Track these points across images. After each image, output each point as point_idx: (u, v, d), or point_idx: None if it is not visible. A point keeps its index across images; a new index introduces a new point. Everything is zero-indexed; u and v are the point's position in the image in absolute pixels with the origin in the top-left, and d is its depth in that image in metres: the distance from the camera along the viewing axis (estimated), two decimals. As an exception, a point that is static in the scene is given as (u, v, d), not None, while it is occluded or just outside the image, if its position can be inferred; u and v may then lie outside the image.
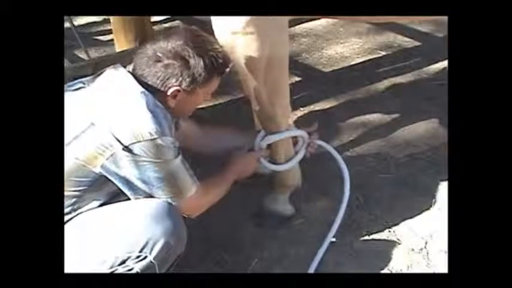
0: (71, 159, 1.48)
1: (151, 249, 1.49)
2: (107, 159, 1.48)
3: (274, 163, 2.05)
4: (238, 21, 1.65)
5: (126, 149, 1.47)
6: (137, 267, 1.49)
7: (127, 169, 1.50)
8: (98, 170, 1.50)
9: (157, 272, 1.52)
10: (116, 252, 1.49)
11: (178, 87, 1.59)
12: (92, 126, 1.49)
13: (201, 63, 1.58)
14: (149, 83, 1.57)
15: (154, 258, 1.49)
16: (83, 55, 3.27)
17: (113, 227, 1.52)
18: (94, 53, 3.40)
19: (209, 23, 1.75)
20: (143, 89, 1.54)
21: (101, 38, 3.72)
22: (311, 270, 1.90)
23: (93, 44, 3.55)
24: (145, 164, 1.50)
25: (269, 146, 2.01)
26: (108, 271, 1.49)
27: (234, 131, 2.10)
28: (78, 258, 1.50)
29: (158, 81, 1.58)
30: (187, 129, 1.91)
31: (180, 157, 1.58)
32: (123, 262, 1.49)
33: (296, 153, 2.07)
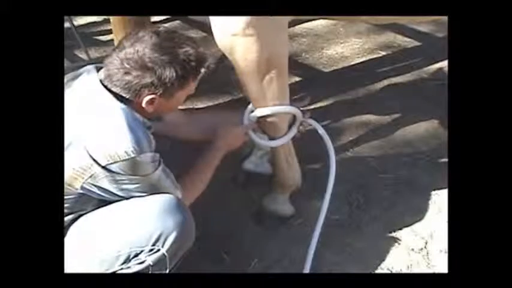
0: None
1: (164, 242, 1.51)
2: (86, 180, 1.48)
3: (264, 139, 2.00)
4: (238, 23, 1.65)
5: (104, 169, 1.46)
6: (150, 260, 1.51)
7: (108, 187, 1.51)
8: (79, 190, 1.50)
9: (167, 265, 1.54)
10: (130, 246, 1.51)
11: (153, 96, 1.52)
12: (69, 146, 1.45)
13: (172, 72, 1.49)
14: (123, 93, 1.51)
15: (166, 251, 1.52)
16: (83, 55, 3.28)
17: (126, 222, 1.53)
18: (94, 53, 3.40)
19: (209, 24, 1.74)
20: (119, 103, 1.49)
21: (101, 38, 3.71)
22: (307, 266, 1.89)
23: (93, 44, 3.55)
24: (126, 182, 1.51)
25: (260, 121, 1.94)
26: (121, 266, 1.51)
27: (223, 111, 2.04)
28: (91, 254, 1.52)
29: (131, 92, 1.51)
30: (173, 117, 1.85)
31: (160, 168, 1.55)
32: (136, 255, 1.51)
33: (288, 130, 2.00)
